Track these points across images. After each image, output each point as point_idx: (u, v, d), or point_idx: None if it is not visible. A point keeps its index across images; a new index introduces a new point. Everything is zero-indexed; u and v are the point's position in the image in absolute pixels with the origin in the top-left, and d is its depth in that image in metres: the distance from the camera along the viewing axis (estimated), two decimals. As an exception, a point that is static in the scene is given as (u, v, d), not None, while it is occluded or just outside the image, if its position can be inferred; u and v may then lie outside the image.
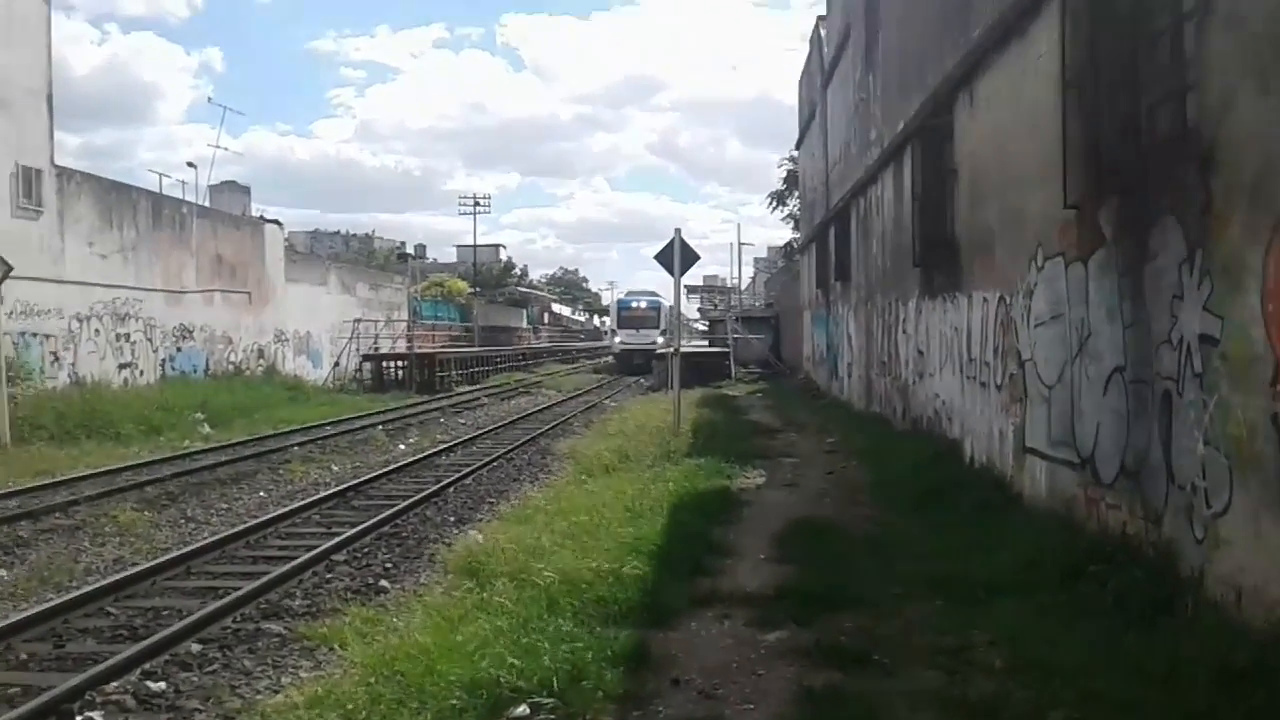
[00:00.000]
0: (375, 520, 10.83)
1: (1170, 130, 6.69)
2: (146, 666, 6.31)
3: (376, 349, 38.43)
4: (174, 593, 8.27)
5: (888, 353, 17.53)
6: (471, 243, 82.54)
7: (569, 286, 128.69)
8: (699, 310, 68.85)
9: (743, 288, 74.24)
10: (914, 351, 15.03)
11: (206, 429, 20.16)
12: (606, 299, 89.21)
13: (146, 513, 11.57)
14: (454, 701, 5.06)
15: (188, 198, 31.85)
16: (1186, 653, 5.01)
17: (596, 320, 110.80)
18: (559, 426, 22.03)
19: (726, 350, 39.53)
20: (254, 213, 40.16)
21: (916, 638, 5.97)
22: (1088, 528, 7.61)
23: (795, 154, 41.93)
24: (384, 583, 8.50)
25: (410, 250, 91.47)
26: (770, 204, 51.52)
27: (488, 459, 16.09)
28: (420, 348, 39.47)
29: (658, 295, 53.38)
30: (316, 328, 36.21)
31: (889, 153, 16.20)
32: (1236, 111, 5.52)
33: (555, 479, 13.94)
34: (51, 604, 7.56)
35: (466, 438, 19.54)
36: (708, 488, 11.62)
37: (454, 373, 37.55)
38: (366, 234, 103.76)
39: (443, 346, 43.56)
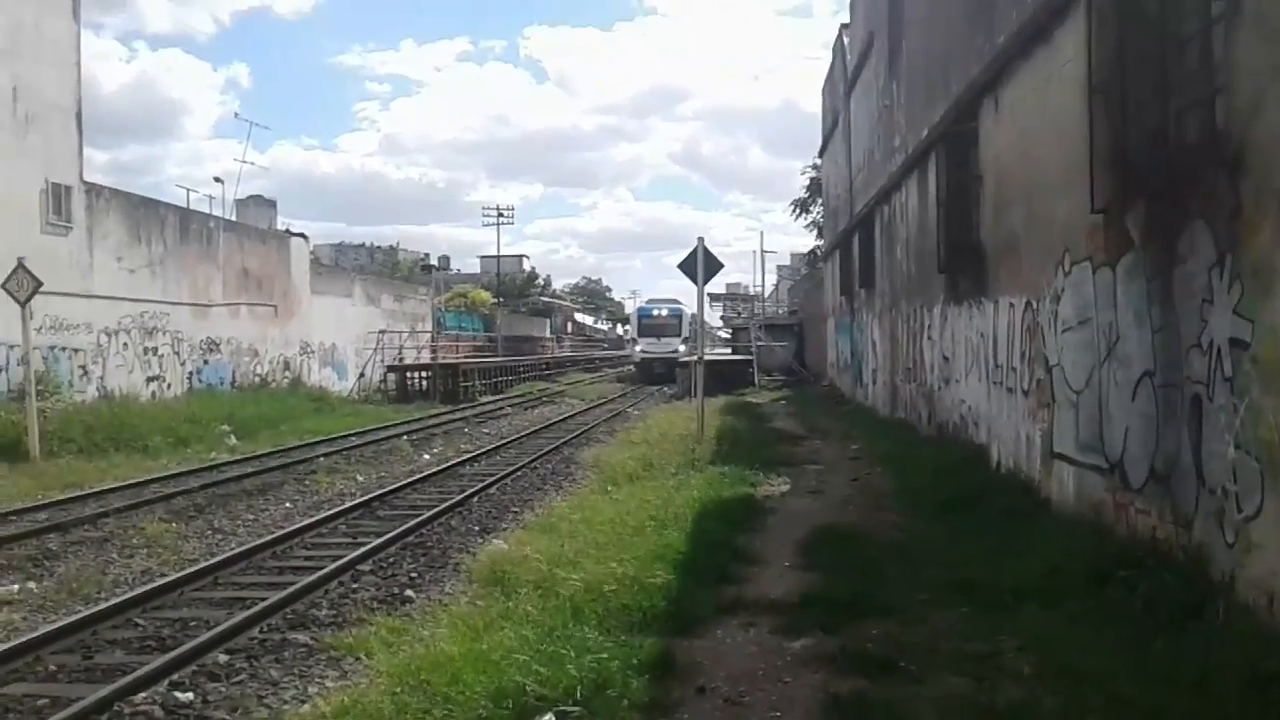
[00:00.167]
0: (400, 530, 10.86)
1: (1199, 134, 6.62)
2: (174, 677, 6.34)
3: (401, 360, 38.60)
4: (201, 603, 8.32)
5: (912, 359, 17.44)
6: (495, 253, 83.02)
7: (592, 296, 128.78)
8: (722, 318, 68.67)
9: (766, 295, 74.14)
10: (939, 357, 14.95)
11: (233, 441, 20.29)
12: (629, 308, 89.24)
13: (174, 524, 11.65)
14: (480, 710, 5.06)
15: (215, 212, 32.15)
16: (1217, 658, 4.95)
17: (619, 329, 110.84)
18: (583, 435, 22.06)
19: (750, 358, 39.47)
20: (280, 226, 40.45)
21: (943, 644, 5.91)
22: (1116, 532, 7.54)
23: (818, 162, 41.90)
24: (409, 592, 8.52)
25: (434, 262, 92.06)
26: (793, 211, 51.37)
27: (512, 468, 16.11)
28: (444, 358, 39.62)
29: (679, 303, 53.19)
30: (342, 339, 36.42)
31: (913, 159, 16.15)
32: (1266, 115, 5.47)
33: (579, 488, 13.94)
34: (80, 615, 7.62)
35: (490, 447, 19.58)
36: (732, 495, 11.59)
37: (478, 383, 37.68)
38: (391, 246, 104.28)
39: (466, 357, 43.66)
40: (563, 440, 20.68)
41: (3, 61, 19.84)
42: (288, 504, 13.45)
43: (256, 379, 29.59)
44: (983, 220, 12.11)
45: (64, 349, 21.11)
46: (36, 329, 18.57)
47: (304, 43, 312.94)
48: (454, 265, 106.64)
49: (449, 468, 16.39)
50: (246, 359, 29.38)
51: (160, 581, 8.69)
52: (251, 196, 46.19)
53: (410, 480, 14.83)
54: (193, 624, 7.61)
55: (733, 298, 73.72)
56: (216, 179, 41.06)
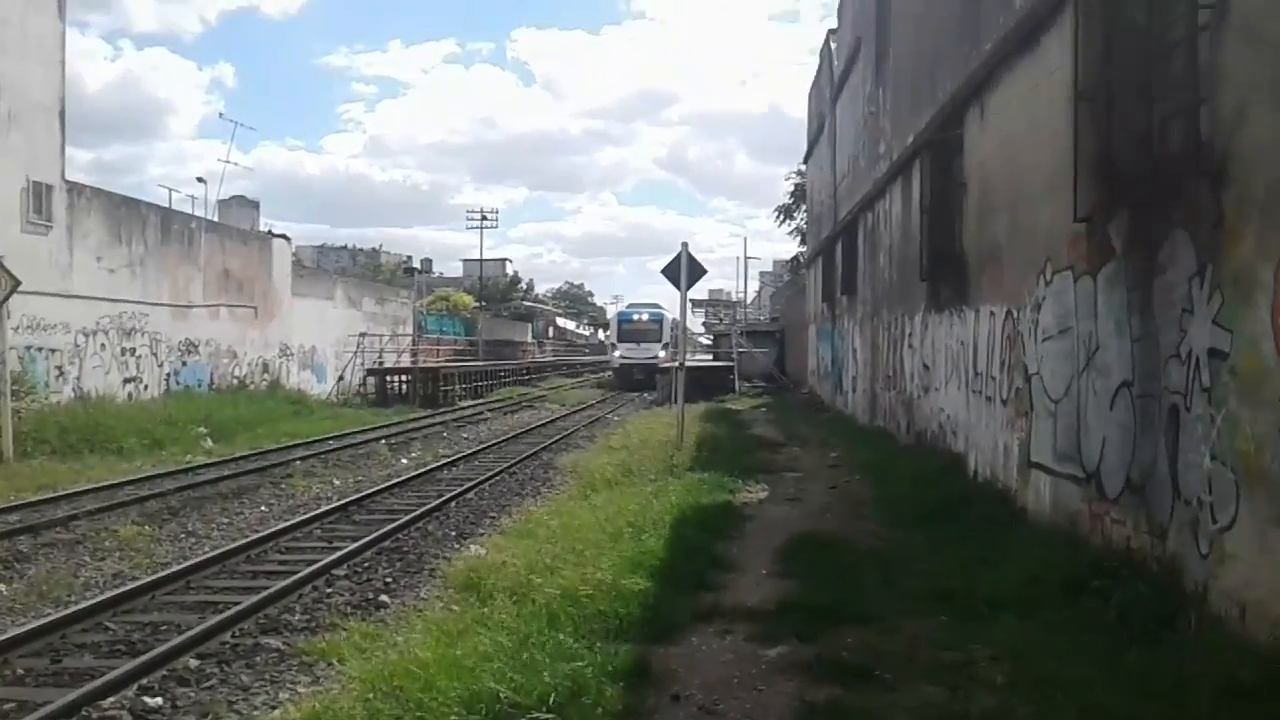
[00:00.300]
0: (376, 535, 10.79)
1: (1183, 143, 6.64)
2: (144, 682, 6.27)
3: (381, 363, 38.46)
4: (173, 607, 8.23)
5: (893, 367, 17.48)
6: (478, 257, 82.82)
7: (574, 300, 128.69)
8: (704, 324, 68.74)
9: (748, 302, 74.28)
10: (919, 366, 14.98)
11: (209, 443, 20.13)
12: (611, 313, 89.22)
13: (147, 527, 11.53)
14: (453, 717, 5.02)
15: (197, 213, 31.93)
16: (1190, 668, 4.96)
17: (601, 335, 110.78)
18: (562, 441, 22.02)
19: (731, 364, 39.50)
20: (262, 227, 40.30)
21: (919, 653, 5.91)
22: (1092, 543, 7.55)
23: (803, 168, 42.00)
24: (384, 598, 8.47)
25: (417, 264, 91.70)
26: (777, 218, 51.43)
27: (490, 473, 16.05)
28: (424, 362, 39.47)
29: (660, 308, 52.90)
30: (322, 342, 36.25)
31: (898, 166, 16.19)
32: (1250, 125, 5.50)
33: (558, 493, 13.91)
34: (50, 619, 7.52)
35: (469, 452, 19.51)
36: (710, 502, 11.56)
37: (458, 387, 37.53)
38: (374, 248, 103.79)
39: (447, 361, 43.53)
40: (542, 445, 20.63)
41: (-15, 58, 19.67)
42: (263, 508, 13.35)
43: (235, 381, 29.38)
44: (966, 228, 12.13)
45: (40, 349, 20.88)
46: (13, 329, 18.39)
47: (291, 43, 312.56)
48: (437, 268, 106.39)
49: (427, 472, 16.30)
50: (225, 361, 29.18)
51: (132, 585, 8.59)
52: (234, 197, 46.06)
53: (387, 485, 14.74)
54: (164, 628, 7.54)
55: (715, 304, 73.91)
56: (200, 179, 40.87)
